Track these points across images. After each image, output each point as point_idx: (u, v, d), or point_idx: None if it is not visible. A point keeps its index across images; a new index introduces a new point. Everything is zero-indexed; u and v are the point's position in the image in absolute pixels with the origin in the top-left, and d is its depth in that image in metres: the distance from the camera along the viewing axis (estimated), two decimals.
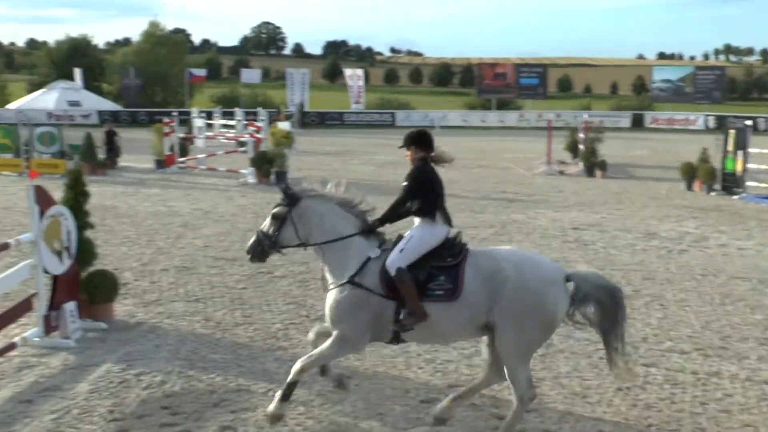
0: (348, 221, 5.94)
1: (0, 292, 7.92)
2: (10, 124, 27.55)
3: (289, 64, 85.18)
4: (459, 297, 5.59)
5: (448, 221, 5.91)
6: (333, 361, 6.14)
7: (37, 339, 7.82)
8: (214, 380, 6.93)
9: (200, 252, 12.25)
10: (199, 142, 30.34)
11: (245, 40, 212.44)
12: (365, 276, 5.74)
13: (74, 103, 57.80)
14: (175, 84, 71.10)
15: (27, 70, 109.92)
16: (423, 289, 5.63)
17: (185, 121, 32.23)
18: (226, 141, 28.15)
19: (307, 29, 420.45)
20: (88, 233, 8.67)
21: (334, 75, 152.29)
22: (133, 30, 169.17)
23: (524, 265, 5.67)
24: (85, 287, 8.43)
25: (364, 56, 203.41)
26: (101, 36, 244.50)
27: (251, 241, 6.10)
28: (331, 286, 5.86)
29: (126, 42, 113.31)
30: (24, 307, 7.84)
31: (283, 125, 27.20)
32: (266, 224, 6.07)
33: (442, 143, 6.00)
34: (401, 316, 5.65)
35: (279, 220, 6.00)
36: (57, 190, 8.40)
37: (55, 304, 7.92)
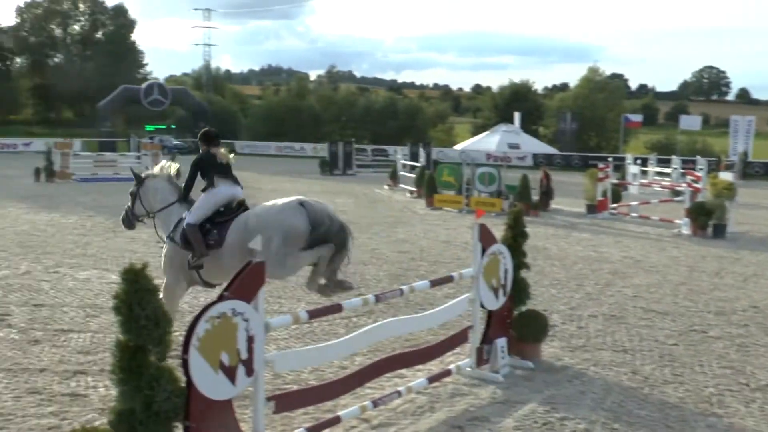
0: (172, 192, 8.29)
1: (439, 322, 8.44)
2: (455, 163, 29.66)
3: (733, 111, 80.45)
4: (222, 245, 7.64)
5: (237, 185, 8.15)
6: None
7: (469, 369, 8.19)
8: None
9: (630, 302, 11.95)
10: (633, 189, 30.05)
11: (684, 85, 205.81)
12: (176, 233, 7.94)
13: (513, 146, 60.63)
14: (611, 129, 71.30)
15: (471, 114, 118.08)
16: (206, 239, 7.73)
17: (619, 167, 32.06)
18: (661, 189, 27.47)
19: (756, 72, 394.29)
20: (523, 273, 8.90)
21: None
22: (572, 75, 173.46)
23: (259, 206, 7.83)
24: (517, 325, 8.65)
25: None
26: (541, 81, 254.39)
27: (122, 214, 8.83)
28: (162, 243, 8.28)
29: (563, 87, 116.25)
30: (460, 338, 8.25)
31: (725, 175, 25.74)
32: (129, 201, 8.70)
33: None
34: (190, 259, 7.80)
35: (132, 196, 8.61)
36: (494, 227, 8.72)
37: (487, 339, 8.25)
